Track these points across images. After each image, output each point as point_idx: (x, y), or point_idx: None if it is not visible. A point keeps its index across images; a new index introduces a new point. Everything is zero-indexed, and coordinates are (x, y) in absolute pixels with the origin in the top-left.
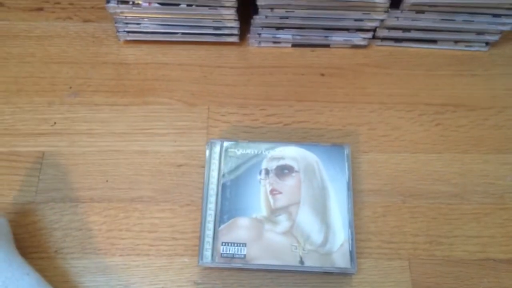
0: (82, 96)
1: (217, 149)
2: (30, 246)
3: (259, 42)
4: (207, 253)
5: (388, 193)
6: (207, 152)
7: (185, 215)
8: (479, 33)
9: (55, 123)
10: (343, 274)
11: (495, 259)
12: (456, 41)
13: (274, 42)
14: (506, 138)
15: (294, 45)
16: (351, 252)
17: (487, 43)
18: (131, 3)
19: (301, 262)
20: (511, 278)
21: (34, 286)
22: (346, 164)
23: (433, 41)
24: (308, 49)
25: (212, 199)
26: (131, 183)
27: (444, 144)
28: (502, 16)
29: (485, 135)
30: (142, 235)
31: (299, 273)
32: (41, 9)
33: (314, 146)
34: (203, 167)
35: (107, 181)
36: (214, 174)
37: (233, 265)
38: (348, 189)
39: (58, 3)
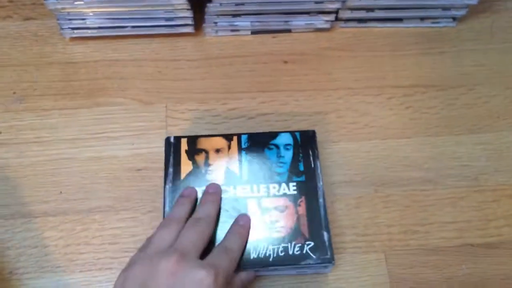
0: (28, 101)
1: None
2: None
3: (216, 31)
4: None
5: (359, 184)
6: None
7: (148, 222)
8: (445, 8)
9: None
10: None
11: (473, 244)
12: (422, 18)
13: (232, 30)
14: (478, 117)
15: (254, 32)
16: None
17: (454, 18)
18: None
19: None
20: (490, 263)
21: None
22: None
23: (399, 20)
24: (269, 36)
25: None
26: (87, 193)
27: (415, 127)
28: None
29: (457, 115)
30: (103, 248)
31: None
32: None
33: None
34: None
35: (61, 192)
36: None
37: None
38: None
39: None
